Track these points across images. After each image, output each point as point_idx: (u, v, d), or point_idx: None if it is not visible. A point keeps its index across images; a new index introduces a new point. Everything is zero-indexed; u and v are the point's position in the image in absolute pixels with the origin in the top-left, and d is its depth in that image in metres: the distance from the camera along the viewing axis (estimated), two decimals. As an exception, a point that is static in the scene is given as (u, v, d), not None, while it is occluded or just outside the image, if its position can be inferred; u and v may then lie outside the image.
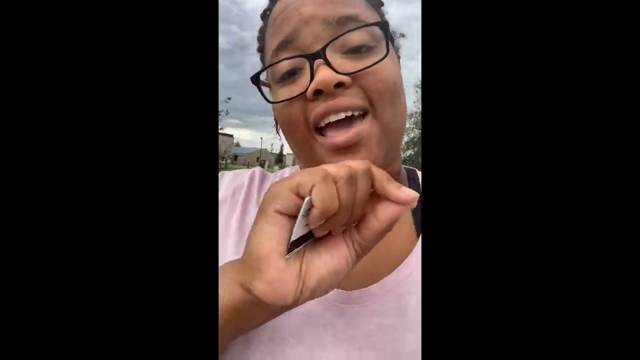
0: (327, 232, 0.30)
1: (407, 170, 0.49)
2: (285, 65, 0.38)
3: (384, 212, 0.29)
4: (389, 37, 0.38)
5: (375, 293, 0.36)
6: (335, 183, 0.27)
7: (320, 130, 0.38)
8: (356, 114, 0.36)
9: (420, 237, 0.40)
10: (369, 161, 0.30)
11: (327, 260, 0.29)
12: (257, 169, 0.53)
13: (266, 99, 0.40)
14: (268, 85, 0.42)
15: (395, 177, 0.43)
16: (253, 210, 0.46)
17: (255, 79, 0.41)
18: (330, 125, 0.37)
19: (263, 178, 0.51)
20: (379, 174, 0.29)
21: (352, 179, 0.28)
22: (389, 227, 0.30)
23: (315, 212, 0.26)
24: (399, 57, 0.44)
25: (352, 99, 0.36)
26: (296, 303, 0.28)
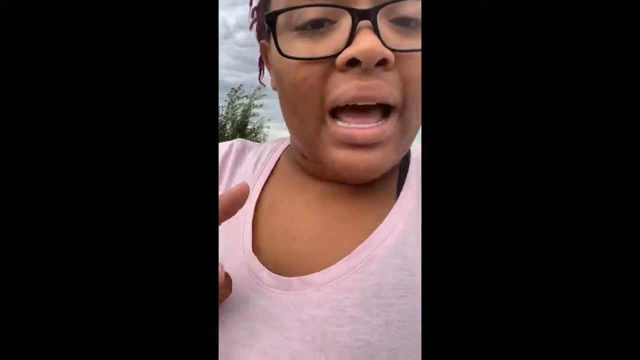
0: None
1: None
2: (312, 12, 0.29)
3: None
4: None
5: (313, 282, 0.32)
6: None
7: (334, 112, 0.31)
8: (389, 105, 0.30)
9: (384, 223, 0.34)
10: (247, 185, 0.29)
11: None
12: (237, 142, 0.46)
13: (281, 51, 0.31)
14: (270, 30, 0.33)
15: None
16: (221, 189, 0.41)
17: (272, 19, 0.31)
18: (349, 108, 0.30)
19: (241, 151, 0.45)
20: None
21: None
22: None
23: None
24: None
25: (391, 87, 0.29)
26: None
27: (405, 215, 0.34)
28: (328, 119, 0.31)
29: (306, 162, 0.39)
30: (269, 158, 0.44)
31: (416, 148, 0.43)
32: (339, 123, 0.31)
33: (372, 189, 0.38)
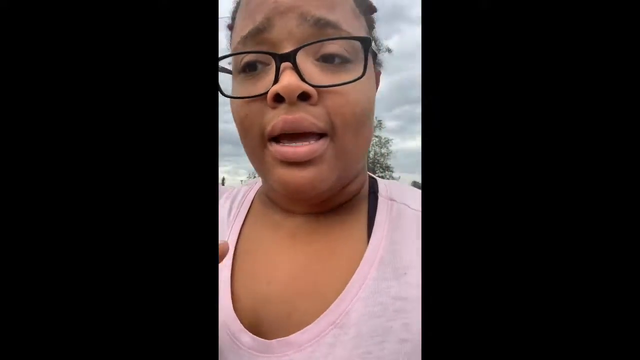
0: None
1: (370, 182, 0.44)
2: (248, 56, 0.35)
3: None
4: (369, 55, 0.35)
5: (295, 342, 0.33)
6: None
7: (276, 138, 0.34)
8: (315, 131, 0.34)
9: (356, 274, 0.35)
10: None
11: None
12: None
13: (222, 92, 0.36)
14: (231, 72, 0.38)
15: (353, 194, 0.41)
16: None
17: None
18: (286, 134, 0.34)
19: None
20: None
21: None
22: None
23: None
24: (379, 73, 0.41)
25: (314, 120, 0.33)
26: None
27: (375, 264, 0.36)
28: (269, 144, 0.35)
29: (274, 192, 0.41)
30: (243, 201, 0.46)
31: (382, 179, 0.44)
32: (279, 142, 0.34)
33: (342, 221, 0.40)
